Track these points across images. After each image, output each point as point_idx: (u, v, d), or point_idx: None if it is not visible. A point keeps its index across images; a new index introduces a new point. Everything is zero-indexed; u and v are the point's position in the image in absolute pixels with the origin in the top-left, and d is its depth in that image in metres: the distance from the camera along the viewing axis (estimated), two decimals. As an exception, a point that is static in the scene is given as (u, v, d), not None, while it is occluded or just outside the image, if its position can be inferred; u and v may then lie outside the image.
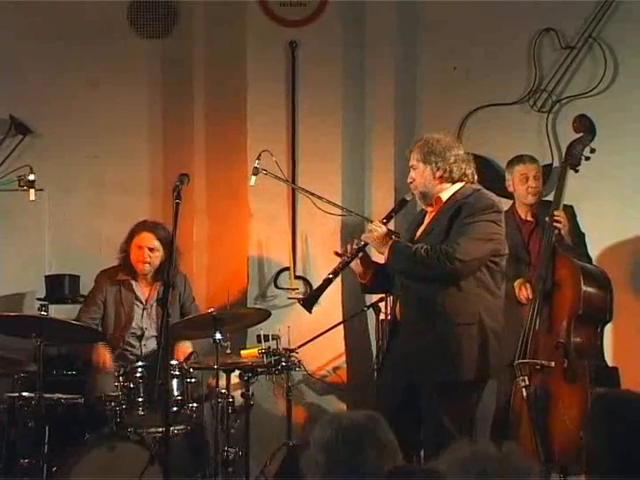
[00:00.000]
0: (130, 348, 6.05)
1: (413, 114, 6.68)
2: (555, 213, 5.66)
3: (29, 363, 5.50)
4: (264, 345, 5.93)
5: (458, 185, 4.90)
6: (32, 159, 6.52)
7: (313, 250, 6.51)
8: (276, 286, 6.53)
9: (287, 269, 6.51)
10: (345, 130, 6.55)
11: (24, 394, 5.38)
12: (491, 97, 6.58)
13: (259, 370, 5.80)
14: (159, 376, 5.20)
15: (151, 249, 6.02)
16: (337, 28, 6.54)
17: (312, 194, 6.19)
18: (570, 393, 5.31)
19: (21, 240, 6.85)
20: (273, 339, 5.98)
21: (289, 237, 6.52)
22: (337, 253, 5.09)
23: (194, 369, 5.59)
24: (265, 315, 5.74)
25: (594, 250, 6.06)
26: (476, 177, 4.96)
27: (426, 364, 4.76)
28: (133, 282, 6.10)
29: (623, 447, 2.99)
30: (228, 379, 5.58)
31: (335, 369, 6.44)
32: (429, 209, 4.97)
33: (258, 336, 6.02)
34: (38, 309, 6.10)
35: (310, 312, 5.09)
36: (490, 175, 6.01)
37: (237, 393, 5.75)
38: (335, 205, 6.20)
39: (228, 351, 5.59)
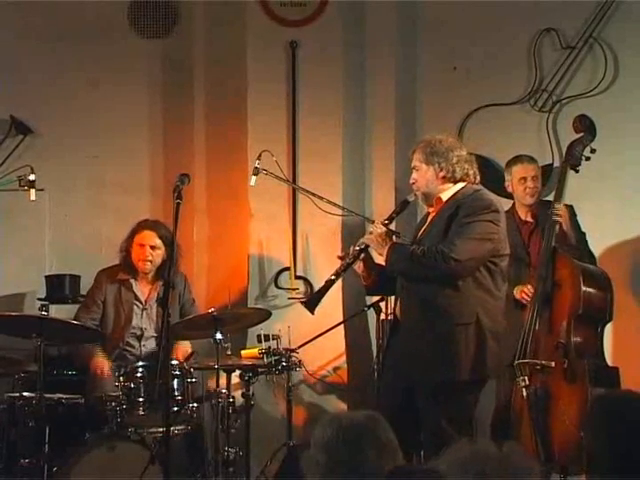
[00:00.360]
0: (129, 348, 6.03)
1: (413, 114, 6.68)
2: (555, 206, 5.65)
3: (29, 363, 5.50)
4: (264, 345, 5.94)
5: (459, 185, 4.89)
6: (32, 159, 6.51)
7: (313, 250, 6.51)
8: (276, 286, 6.52)
9: (287, 269, 6.51)
10: (345, 130, 6.55)
11: (24, 394, 5.37)
12: (491, 97, 6.58)
13: (259, 370, 5.81)
14: (160, 376, 5.19)
15: (153, 247, 6.01)
16: (337, 28, 6.54)
17: (312, 194, 6.18)
18: (570, 393, 5.30)
19: (21, 240, 6.84)
20: (273, 339, 5.98)
21: (289, 237, 6.52)
22: (340, 256, 5.10)
23: (194, 369, 5.59)
24: (265, 315, 5.73)
25: (594, 250, 6.05)
26: (478, 177, 4.96)
27: (424, 364, 4.76)
28: (133, 282, 6.09)
29: (623, 447, 3.00)
30: (228, 379, 5.59)
31: (335, 369, 6.43)
32: (430, 209, 4.98)
33: (258, 336, 6.02)
34: (39, 309, 6.10)
35: (313, 313, 5.08)
36: (490, 175, 5.99)
37: (237, 393, 5.75)
38: (335, 205, 6.20)
39: (228, 351, 5.59)
